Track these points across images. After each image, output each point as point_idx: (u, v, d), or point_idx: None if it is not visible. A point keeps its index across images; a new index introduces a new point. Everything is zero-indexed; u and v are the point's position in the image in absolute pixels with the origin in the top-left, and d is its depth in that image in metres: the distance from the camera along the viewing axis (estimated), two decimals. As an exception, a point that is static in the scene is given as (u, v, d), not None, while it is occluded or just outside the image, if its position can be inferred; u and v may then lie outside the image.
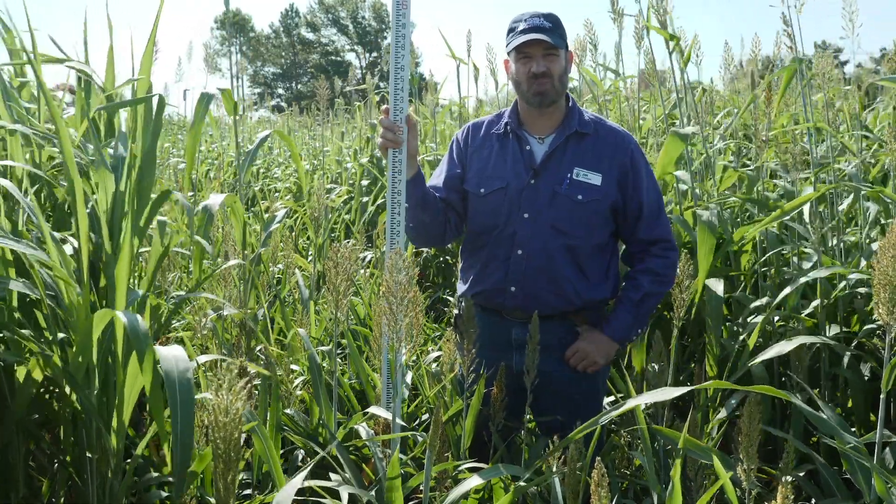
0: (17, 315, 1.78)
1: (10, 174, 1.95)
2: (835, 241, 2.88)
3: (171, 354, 1.47)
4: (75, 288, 1.64)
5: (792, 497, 1.18)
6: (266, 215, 3.31)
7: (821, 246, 2.64)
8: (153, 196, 1.89)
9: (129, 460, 1.85)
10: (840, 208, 2.89)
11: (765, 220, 2.63)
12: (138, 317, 1.52)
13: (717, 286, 2.60)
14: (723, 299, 2.58)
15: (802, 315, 2.71)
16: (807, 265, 2.79)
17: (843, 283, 2.64)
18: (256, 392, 2.12)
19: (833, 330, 2.68)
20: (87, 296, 1.67)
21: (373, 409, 1.90)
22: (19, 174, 1.96)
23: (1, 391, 1.77)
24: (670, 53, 3.13)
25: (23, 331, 1.71)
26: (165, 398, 1.50)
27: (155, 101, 1.90)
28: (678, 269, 2.19)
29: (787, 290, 2.53)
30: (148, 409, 2.07)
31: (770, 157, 3.20)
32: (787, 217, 2.61)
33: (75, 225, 1.71)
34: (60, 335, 1.78)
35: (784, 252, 2.98)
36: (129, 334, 1.49)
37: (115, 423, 1.74)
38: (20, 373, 1.74)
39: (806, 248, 2.83)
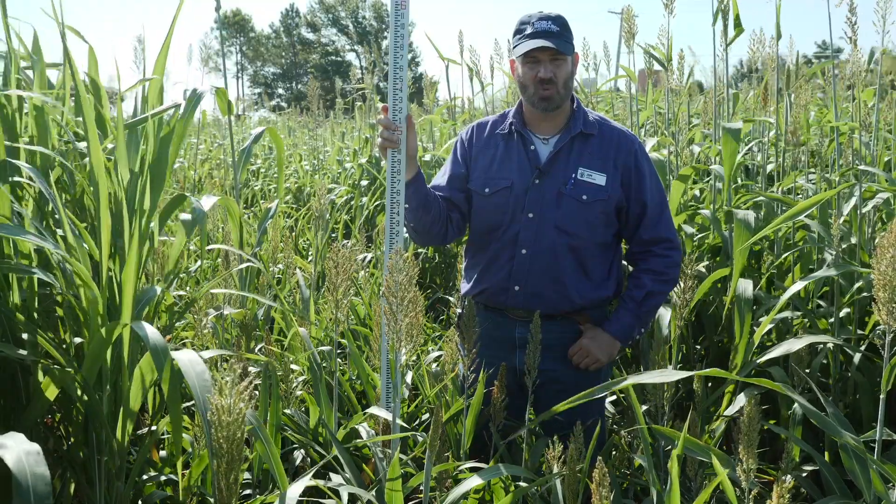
0: (33, 318, 1.79)
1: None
2: (854, 241, 2.88)
3: (187, 358, 1.54)
4: (93, 289, 1.65)
5: (789, 496, 1.18)
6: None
7: (839, 246, 2.64)
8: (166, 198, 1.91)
9: (130, 462, 1.85)
10: (864, 210, 2.88)
11: (777, 219, 2.64)
12: (155, 331, 1.55)
13: (746, 285, 2.61)
14: (752, 298, 2.59)
15: (822, 317, 2.71)
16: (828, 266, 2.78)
17: (858, 284, 2.64)
18: (256, 392, 2.12)
19: (847, 330, 2.68)
20: (105, 300, 1.68)
21: (372, 410, 1.90)
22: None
23: (17, 392, 1.78)
24: (727, 45, 3.12)
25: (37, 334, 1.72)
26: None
27: (183, 106, 1.92)
28: (681, 270, 2.19)
29: (794, 288, 2.53)
30: (151, 412, 2.08)
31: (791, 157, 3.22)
32: (804, 216, 2.62)
33: (97, 228, 1.72)
34: (78, 340, 1.79)
35: (807, 252, 2.99)
36: (150, 350, 1.53)
37: (120, 426, 1.74)
38: (39, 375, 1.75)
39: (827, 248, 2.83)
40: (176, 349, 2.46)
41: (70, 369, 1.67)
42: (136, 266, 1.73)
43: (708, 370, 1.66)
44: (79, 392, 1.71)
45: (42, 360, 1.72)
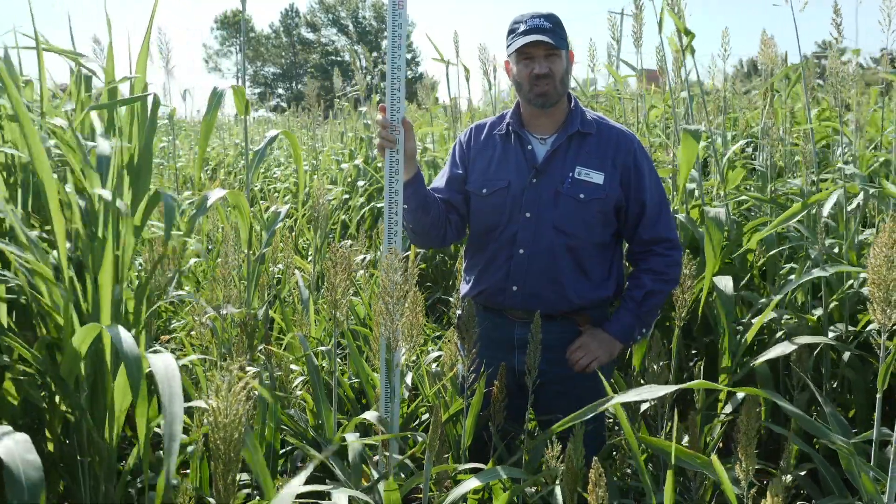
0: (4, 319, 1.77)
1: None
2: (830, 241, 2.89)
3: (162, 363, 1.45)
4: (58, 291, 1.63)
5: (783, 496, 1.18)
6: (267, 215, 3.31)
7: (823, 245, 2.65)
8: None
9: (123, 463, 1.85)
10: (849, 208, 2.89)
11: (773, 222, 2.64)
12: (126, 334, 1.49)
13: (726, 282, 2.61)
14: (733, 296, 2.59)
15: (809, 314, 2.71)
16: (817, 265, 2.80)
17: (849, 283, 2.64)
18: (256, 392, 2.12)
19: (838, 329, 2.68)
20: (69, 300, 1.65)
21: (367, 415, 1.89)
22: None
23: None
24: (683, 49, 3.15)
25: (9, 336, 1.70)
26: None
27: (150, 99, 1.89)
28: (681, 268, 2.19)
29: (787, 288, 2.53)
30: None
31: (778, 157, 3.22)
32: (796, 220, 2.63)
33: (52, 225, 1.69)
34: (46, 337, 1.77)
35: (796, 252, 3.00)
36: (122, 356, 1.47)
37: (107, 426, 1.73)
38: (11, 376, 1.73)
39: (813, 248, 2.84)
40: (175, 350, 2.46)
41: (38, 370, 1.65)
42: (113, 267, 1.71)
43: (694, 382, 1.66)
44: (56, 395, 1.69)
45: (16, 363, 1.70)
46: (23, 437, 1.21)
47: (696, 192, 3.21)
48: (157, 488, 1.40)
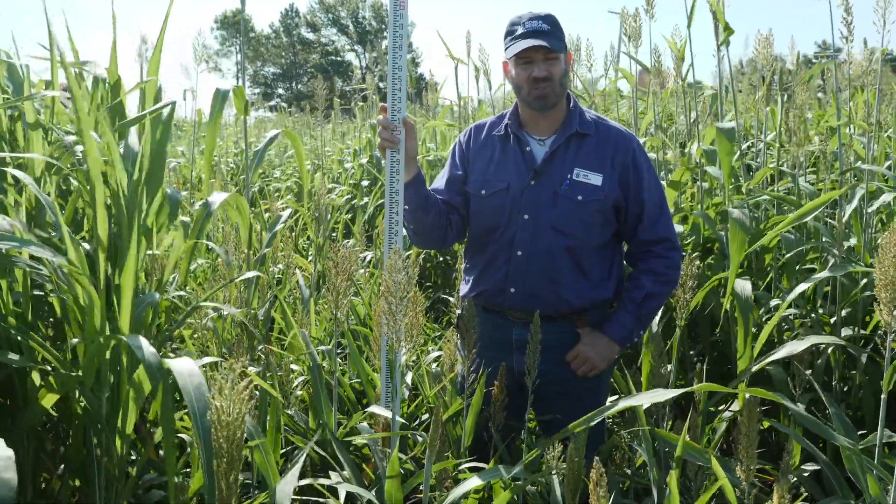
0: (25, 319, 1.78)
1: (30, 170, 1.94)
2: (853, 242, 2.88)
3: (185, 369, 1.46)
4: (91, 292, 1.64)
5: (789, 497, 1.18)
6: (267, 215, 3.31)
7: (841, 246, 2.63)
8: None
9: (131, 462, 1.85)
10: (870, 209, 2.88)
11: (784, 221, 2.63)
12: (149, 346, 1.52)
13: (744, 286, 2.60)
14: (752, 301, 2.58)
15: (823, 316, 2.71)
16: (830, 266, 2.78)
17: (862, 283, 2.63)
18: (257, 392, 2.11)
19: (850, 331, 2.67)
20: (103, 302, 1.66)
21: (372, 409, 1.90)
22: (37, 171, 1.95)
23: (13, 395, 1.77)
24: (718, 46, 3.16)
25: (32, 335, 1.71)
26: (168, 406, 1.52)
27: (167, 109, 1.92)
28: (681, 269, 2.18)
29: (799, 289, 2.52)
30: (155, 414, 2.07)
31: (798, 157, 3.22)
32: (811, 217, 2.62)
33: (94, 233, 1.71)
34: (74, 340, 1.78)
35: (809, 253, 3.00)
36: (144, 365, 1.50)
37: (120, 426, 1.73)
38: (34, 378, 1.74)
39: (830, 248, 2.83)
40: (176, 349, 2.46)
41: (67, 372, 1.66)
42: (135, 270, 1.72)
43: (699, 385, 1.66)
44: (76, 394, 1.70)
45: (38, 365, 1.71)
46: (6, 454, 1.16)
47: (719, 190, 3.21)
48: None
